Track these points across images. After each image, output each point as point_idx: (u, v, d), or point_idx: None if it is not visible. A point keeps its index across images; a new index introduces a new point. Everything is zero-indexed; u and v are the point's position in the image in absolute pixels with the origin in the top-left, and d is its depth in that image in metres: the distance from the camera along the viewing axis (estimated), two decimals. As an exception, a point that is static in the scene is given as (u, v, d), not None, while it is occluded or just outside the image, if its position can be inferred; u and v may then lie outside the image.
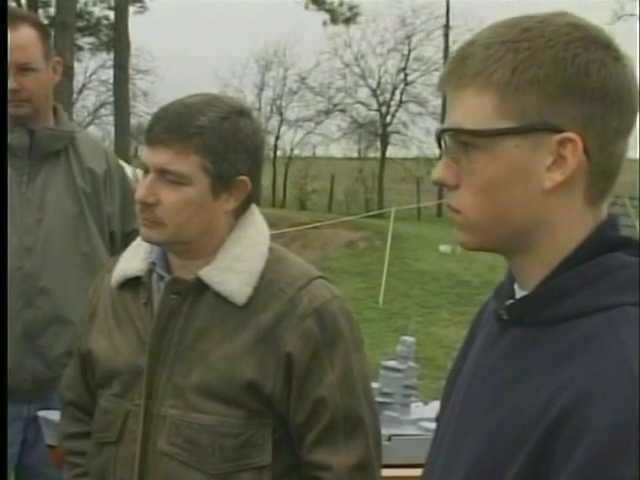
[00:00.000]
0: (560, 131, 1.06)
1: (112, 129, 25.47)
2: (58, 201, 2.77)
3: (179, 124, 1.77)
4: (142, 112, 32.15)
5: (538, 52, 1.06)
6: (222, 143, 1.78)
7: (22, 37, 2.69)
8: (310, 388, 1.80)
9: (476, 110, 1.09)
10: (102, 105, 35.14)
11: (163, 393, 1.82)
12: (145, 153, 1.80)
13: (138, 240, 1.94)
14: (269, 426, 1.81)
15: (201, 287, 1.82)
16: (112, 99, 29.60)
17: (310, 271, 1.89)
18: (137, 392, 1.84)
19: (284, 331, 1.79)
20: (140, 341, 1.86)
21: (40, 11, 29.11)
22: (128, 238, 2.91)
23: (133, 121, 26.96)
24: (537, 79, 1.06)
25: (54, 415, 2.48)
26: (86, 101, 35.51)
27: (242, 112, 1.84)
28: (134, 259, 1.93)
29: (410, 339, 3.92)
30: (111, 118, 31.19)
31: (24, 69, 2.68)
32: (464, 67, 1.10)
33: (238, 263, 1.82)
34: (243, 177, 1.81)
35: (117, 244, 2.88)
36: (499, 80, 1.07)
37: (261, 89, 37.01)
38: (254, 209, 1.91)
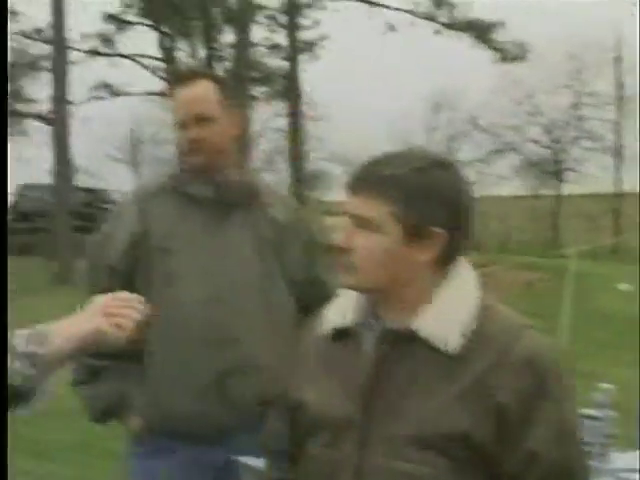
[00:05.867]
0: None
1: (287, 176, 26.15)
2: (244, 251, 2.84)
3: (373, 172, 1.82)
4: (315, 158, 32.77)
5: None
6: (416, 193, 1.79)
7: (199, 90, 2.80)
8: (522, 440, 1.77)
9: None
10: (277, 152, 36.02)
11: (375, 444, 1.82)
12: (344, 199, 1.86)
13: (346, 290, 1.96)
14: (479, 477, 1.79)
15: (412, 337, 1.82)
16: (286, 146, 30.36)
17: (520, 320, 1.87)
18: (347, 442, 1.84)
19: (496, 381, 1.77)
20: (350, 391, 1.86)
21: (216, 65, 30.25)
22: (311, 286, 2.99)
23: (307, 168, 27.52)
24: None
25: (254, 461, 2.53)
26: (261, 149, 36.49)
27: (441, 164, 1.85)
28: (343, 308, 1.95)
29: (608, 386, 3.80)
30: (285, 165, 31.99)
31: (202, 120, 2.79)
32: None
33: (449, 313, 1.82)
34: (438, 228, 1.81)
35: (300, 292, 2.94)
36: None
37: (432, 131, 37.03)
38: (462, 261, 1.90)
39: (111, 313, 1.87)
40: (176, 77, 2.96)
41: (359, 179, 1.83)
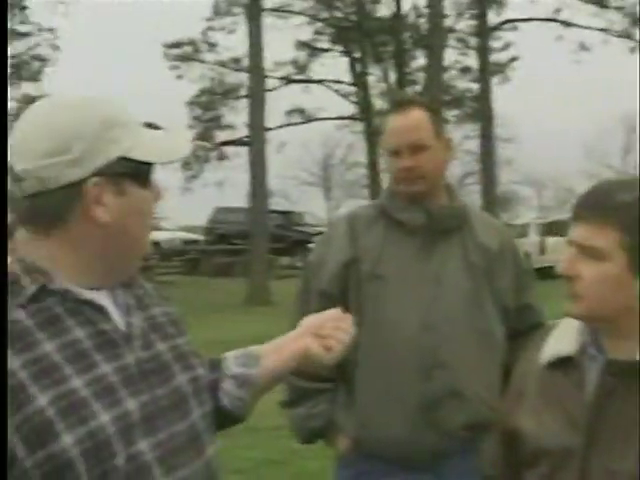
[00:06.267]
0: None
1: (478, 198, 25.95)
2: (454, 277, 2.82)
3: (598, 200, 1.80)
4: (507, 180, 32.41)
5: None
6: None
7: (412, 118, 2.82)
8: None
9: None
10: (468, 174, 35.83)
11: (595, 477, 1.79)
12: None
13: (568, 319, 1.94)
14: None
15: (637, 369, 1.78)
16: (477, 168, 30.14)
17: None
18: (567, 474, 1.83)
19: None
20: (571, 422, 1.85)
21: (408, 89, 30.43)
22: (521, 313, 2.95)
23: (498, 189, 27.20)
24: None
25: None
26: (452, 171, 36.42)
27: None
28: (565, 338, 1.93)
29: None
30: (476, 187, 31.79)
31: (416, 148, 2.80)
32: None
33: None
34: None
35: (510, 319, 2.90)
36: None
37: (627, 152, 35.88)
38: None
39: (321, 335, 1.87)
40: (390, 105, 3.00)
41: (585, 207, 1.82)
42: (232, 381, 1.86)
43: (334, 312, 1.93)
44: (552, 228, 25.45)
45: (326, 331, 1.87)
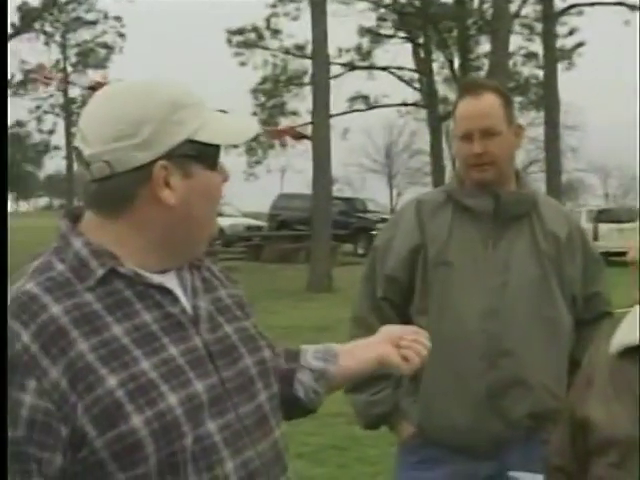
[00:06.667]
0: None
1: (542, 186, 25.69)
2: (522, 264, 2.79)
3: None
4: (571, 168, 32.03)
5: None
6: None
7: (485, 104, 2.77)
8: None
9: None
10: (531, 162, 35.44)
11: None
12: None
13: (638, 307, 1.91)
14: None
15: None
16: (541, 156, 29.84)
17: None
18: (637, 463, 1.79)
19: None
20: None
21: (473, 74, 30.17)
22: (589, 301, 2.91)
23: (563, 177, 26.87)
24: None
25: (527, 476, 2.50)
26: (517, 158, 36.03)
27: None
28: (635, 327, 1.90)
29: None
30: (540, 175, 31.47)
31: (488, 134, 2.76)
32: None
33: None
34: None
35: (578, 308, 2.86)
36: None
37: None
38: None
39: (401, 345, 1.89)
40: (461, 88, 2.96)
41: None
42: (309, 373, 1.89)
43: (413, 327, 1.98)
44: (604, 216, 25.42)
45: (405, 342, 1.89)
